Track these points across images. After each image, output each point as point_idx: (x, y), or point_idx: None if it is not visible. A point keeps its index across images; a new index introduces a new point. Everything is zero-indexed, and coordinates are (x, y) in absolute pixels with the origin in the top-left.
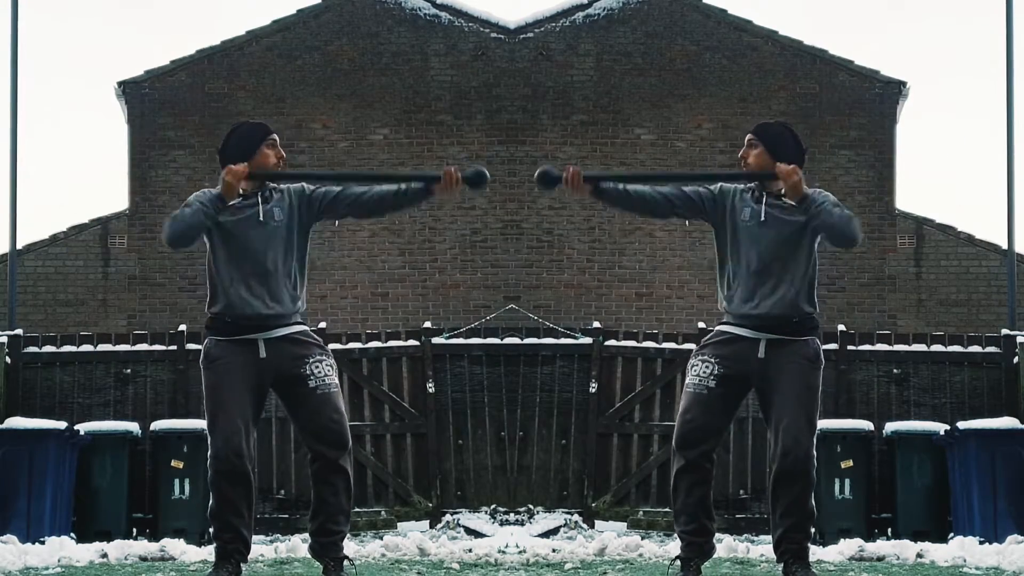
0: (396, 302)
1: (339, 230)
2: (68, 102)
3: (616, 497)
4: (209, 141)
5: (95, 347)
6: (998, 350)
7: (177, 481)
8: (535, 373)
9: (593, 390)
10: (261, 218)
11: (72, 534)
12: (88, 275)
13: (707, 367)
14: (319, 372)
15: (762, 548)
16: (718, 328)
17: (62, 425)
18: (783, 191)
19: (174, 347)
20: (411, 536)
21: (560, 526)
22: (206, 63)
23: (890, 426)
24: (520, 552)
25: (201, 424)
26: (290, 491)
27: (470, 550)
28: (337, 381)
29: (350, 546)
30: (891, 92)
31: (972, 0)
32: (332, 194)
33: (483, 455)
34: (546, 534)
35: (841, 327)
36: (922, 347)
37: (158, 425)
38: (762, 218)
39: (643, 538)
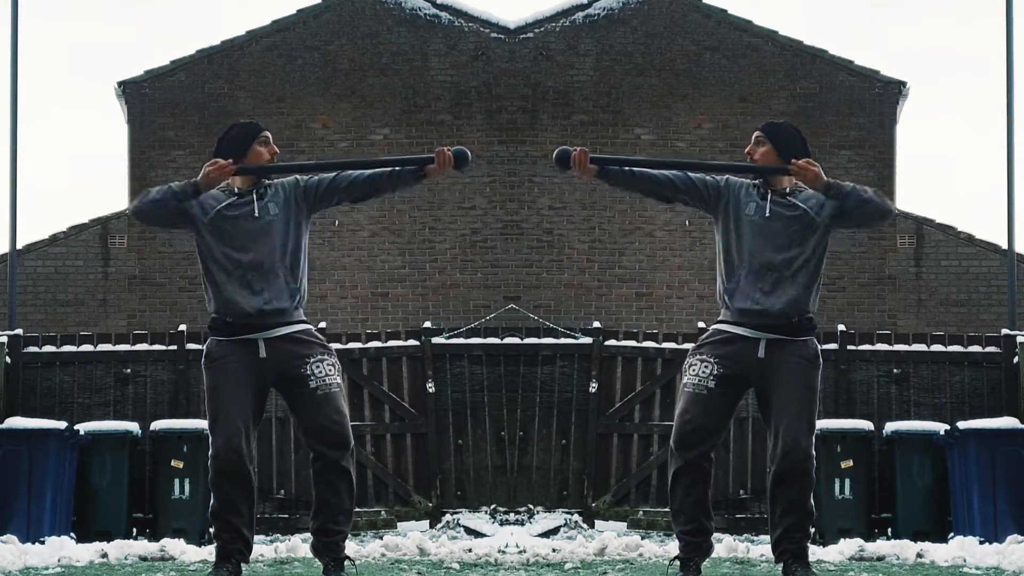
0: (396, 302)
1: (339, 230)
2: (68, 102)
3: (616, 497)
4: (209, 141)
5: (95, 347)
6: (998, 350)
7: (177, 481)
8: (535, 373)
9: (593, 390)
10: (257, 214)
11: (72, 534)
12: (88, 275)
13: (706, 367)
14: (320, 372)
15: (762, 548)
16: (715, 327)
17: (62, 425)
18: (788, 189)
19: (174, 347)
20: (411, 536)
21: (560, 526)
22: (206, 63)
23: (890, 426)
24: (520, 552)
25: (201, 424)
26: (290, 491)
27: (470, 550)
28: (339, 380)
29: (350, 546)
30: (891, 92)
31: (972, 0)
32: (326, 181)
33: (483, 455)
34: (546, 534)
35: (841, 327)
36: (922, 347)
37: (158, 425)
38: (767, 213)
39: (643, 538)
